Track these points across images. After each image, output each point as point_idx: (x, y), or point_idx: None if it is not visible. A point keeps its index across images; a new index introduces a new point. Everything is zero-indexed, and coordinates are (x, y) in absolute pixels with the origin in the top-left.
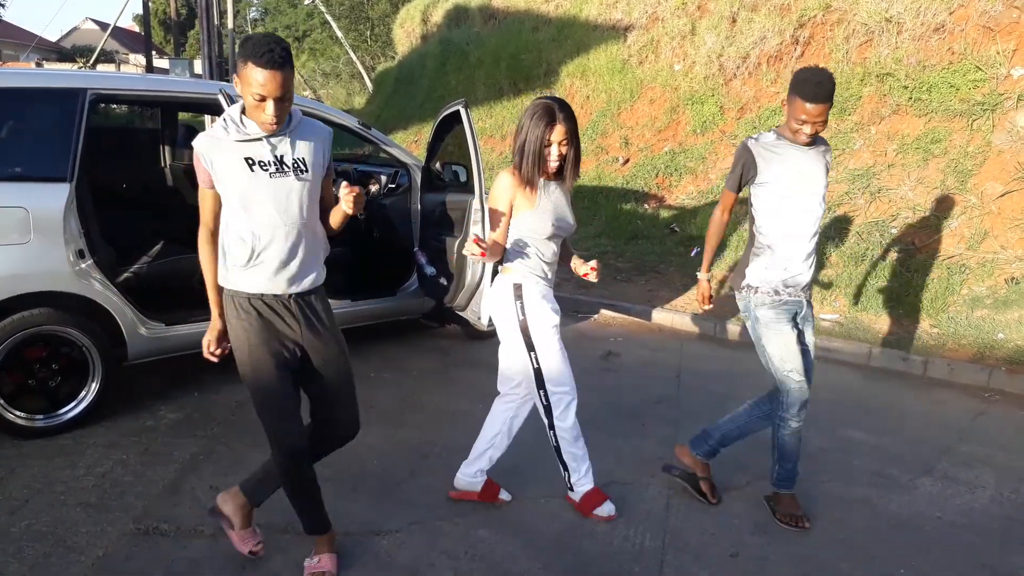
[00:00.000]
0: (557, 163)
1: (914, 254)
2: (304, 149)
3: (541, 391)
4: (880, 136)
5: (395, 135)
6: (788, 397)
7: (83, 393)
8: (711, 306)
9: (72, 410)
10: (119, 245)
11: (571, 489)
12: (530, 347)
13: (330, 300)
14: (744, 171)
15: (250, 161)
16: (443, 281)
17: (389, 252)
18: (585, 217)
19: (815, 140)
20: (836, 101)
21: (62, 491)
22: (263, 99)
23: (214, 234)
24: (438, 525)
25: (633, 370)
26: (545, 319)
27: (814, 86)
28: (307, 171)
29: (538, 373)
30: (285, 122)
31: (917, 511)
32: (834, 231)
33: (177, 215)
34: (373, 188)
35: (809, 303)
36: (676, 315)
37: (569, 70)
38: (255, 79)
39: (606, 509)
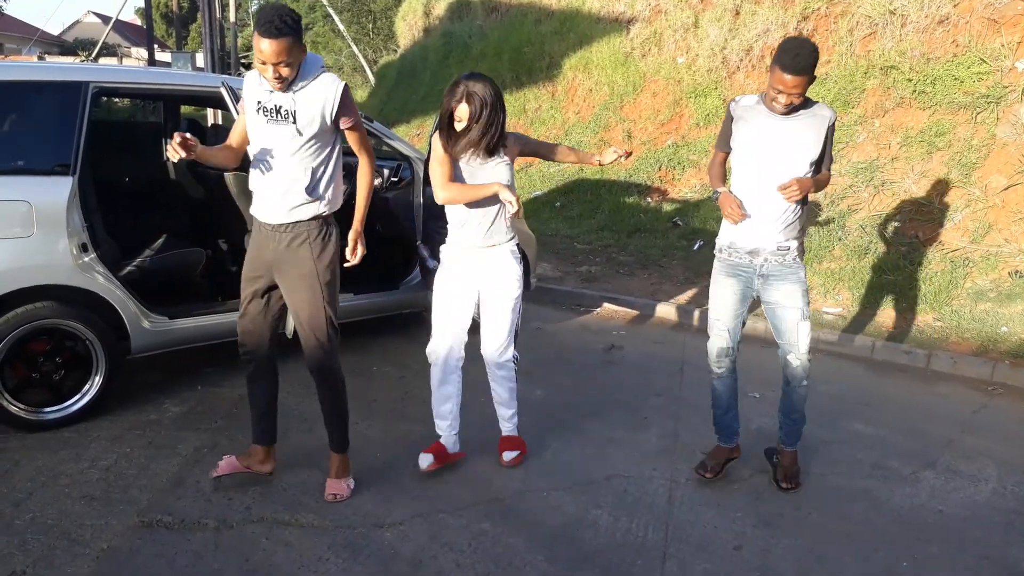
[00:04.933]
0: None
1: (917, 247)
2: (301, 104)
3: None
4: (884, 129)
5: (397, 128)
6: (709, 342)
7: (87, 387)
8: (744, 214)
9: (76, 403)
10: (122, 239)
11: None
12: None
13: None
14: (727, 131)
15: (259, 104)
16: None
17: (391, 246)
18: (587, 211)
19: (804, 107)
20: (840, 94)
21: (67, 484)
22: (264, 64)
23: (229, 147)
24: (441, 517)
25: (635, 363)
26: (443, 280)
27: (792, 57)
28: (295, 122)
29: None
30: (294, 79)
31: (919, 504)
32: (837, 224)
33: (180, 208)
34: (376, 181)
35: (784, 265)
36: (679, 308)
37: (572, 63)
38: (258, 46)
39: (422, 459)
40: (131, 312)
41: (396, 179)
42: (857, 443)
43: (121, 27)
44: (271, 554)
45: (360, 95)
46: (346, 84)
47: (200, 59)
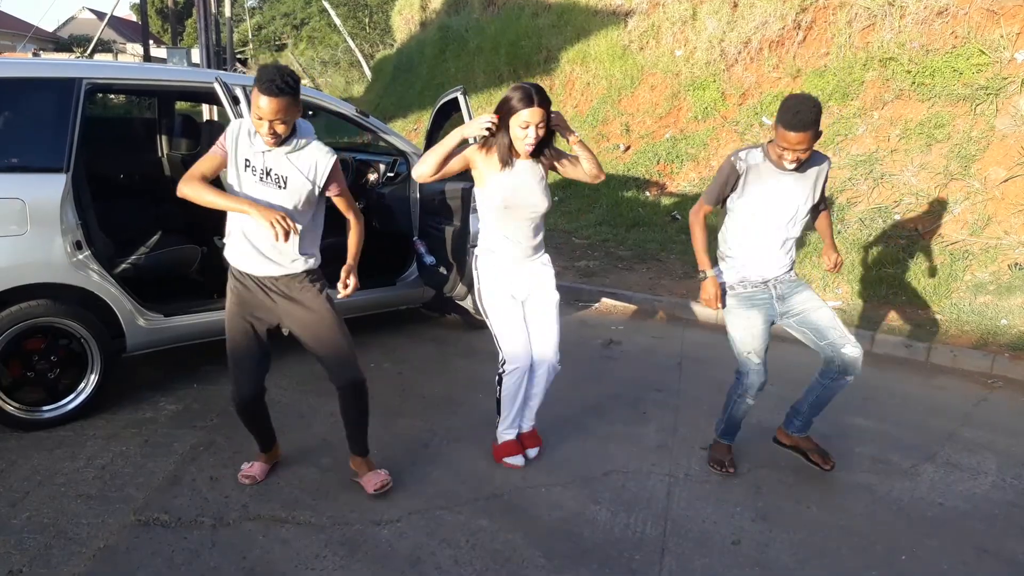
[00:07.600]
0: (533, 143)
1: (917, 240)
2: (291, 168)
3: (501, 352)
4: (883, 121)
5: (394, 123)
6: (747, 379)
7: (82, 385)
8: (721, 307)
9: (72, 402)
10: (117, 236)
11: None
12: (485, 314)
13: (329, 291)
14: (726, 187)
15: (247, 162)
16: (442, 270)
17: (388, 242)
18: (585, 205)
19: (808, 161)
20: (839, 86)
21: (63, 483)
22: (261, 119)
23: (198, 179)
24: (438, 514)
25: (634, 358)
26: (494, 290)
27: (793, 115)
28: (285, 188)
29: (496, 338)
30: (285, 140)
31: (919, 497)
32: (836, 217)
33: (175, 205)
34: (372, 177)
35: (791, 281)
36: (677, 302)
37: (569, 56)
38: (257, 103)
39: (516, 460)
40: (126, 310)
41: (392, 174)
42: (857, 437)
43: (116, 23)
44: (268, 551)
45: (356, 90)
46: (336, 157)
47: (196, 55)
